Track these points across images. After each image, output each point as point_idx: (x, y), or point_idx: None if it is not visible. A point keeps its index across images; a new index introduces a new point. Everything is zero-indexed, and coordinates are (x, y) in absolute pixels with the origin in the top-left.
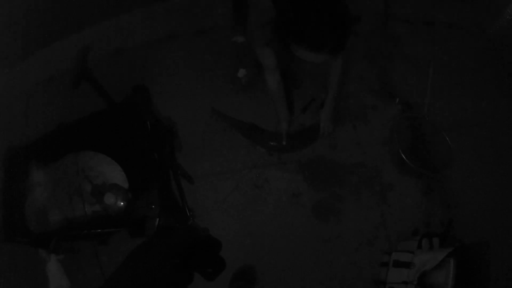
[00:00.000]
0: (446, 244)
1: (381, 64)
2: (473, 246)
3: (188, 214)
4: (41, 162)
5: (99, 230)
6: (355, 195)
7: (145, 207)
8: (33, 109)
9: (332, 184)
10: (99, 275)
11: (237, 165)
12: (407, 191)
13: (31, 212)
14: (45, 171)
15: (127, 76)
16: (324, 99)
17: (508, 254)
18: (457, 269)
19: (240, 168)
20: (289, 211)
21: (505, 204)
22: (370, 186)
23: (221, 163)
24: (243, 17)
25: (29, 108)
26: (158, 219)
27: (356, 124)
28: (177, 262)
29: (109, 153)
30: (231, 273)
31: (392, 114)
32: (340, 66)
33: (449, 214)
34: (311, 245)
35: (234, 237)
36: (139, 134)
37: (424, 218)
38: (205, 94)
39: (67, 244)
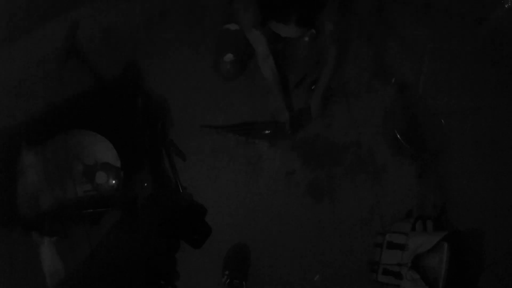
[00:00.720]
0: (440, 227)
1: (378, 44)
2: (467, 231)
3: (181, 192)
4: (31, 144)
5: (91, 210)
6: (349, 175)
7: (137, 185)
8: (23, 90)
9: (326, 163)
10: (91, 257)
11: (230, 142)
12: (401, 173)
13: (23, 196)
14: (35, 153)
15: (118, 53)
16: (317, 76)
17: (502, 239)
18: (450, 253)
19: (233, 145)
20: (283, 189)
21: (500, 190)
22: (364, 166)
23: (214, 140)
24: None
25: (20, 88)
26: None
27: (351, 104)
28: (161, 229)
29: (99, 131)
30: (225, 253)
31: (388, 94)
32: (333, 56)
33: (443, 198)
34: (305, 224)
35: (227, 216)
36: (130, 111)
37: (418, 200)
38: (197, 71)
39: (60, 227)
